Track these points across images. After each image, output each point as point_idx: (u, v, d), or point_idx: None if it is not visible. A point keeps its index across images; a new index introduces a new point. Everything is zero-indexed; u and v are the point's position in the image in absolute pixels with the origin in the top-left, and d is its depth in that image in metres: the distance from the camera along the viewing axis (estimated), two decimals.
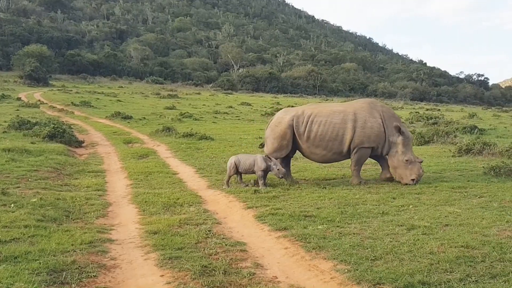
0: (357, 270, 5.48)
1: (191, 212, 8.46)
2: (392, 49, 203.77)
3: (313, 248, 6.35)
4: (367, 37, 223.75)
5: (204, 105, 42.85)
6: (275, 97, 68.41)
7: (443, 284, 5.04)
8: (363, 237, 6.77)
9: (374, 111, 11.15)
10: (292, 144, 11.30)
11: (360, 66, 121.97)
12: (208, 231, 7.25)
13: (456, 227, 7.14)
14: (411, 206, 8.59)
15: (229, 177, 10.78)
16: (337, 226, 7.35)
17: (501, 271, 5.37)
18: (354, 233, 6.95)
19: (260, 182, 10.56)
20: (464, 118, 35.43)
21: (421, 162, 10.92)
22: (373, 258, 5.86)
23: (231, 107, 40.93)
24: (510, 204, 8.60)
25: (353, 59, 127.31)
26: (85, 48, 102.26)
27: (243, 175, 11.01)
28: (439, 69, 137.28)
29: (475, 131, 22.05)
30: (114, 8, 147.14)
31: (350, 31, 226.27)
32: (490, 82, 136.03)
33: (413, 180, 10.63)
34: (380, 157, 11.40)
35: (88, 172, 12.43)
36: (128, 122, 26.24)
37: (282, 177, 10.78)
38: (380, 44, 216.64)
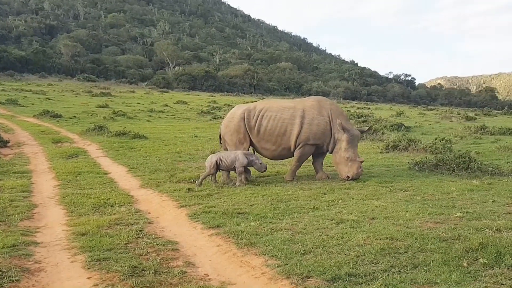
0: (287, 264, 5.57)
1: (122, 212, 8.25)
2: (325, 49, 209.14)
3: (245, 245, 6.39)
4: (302, 37, 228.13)
5: (138, 103, 41.98)
6: (212, 96, 68.16)
7: (368, 275, 5.23)
8: (294, 232, 6.90)
9: (323, 109, 11.32)
10: (249, 137, 11.39)
11: (295, 66, 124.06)
12: (139, 231, 7.11)
13: (382, 220, 7.43)
14: (340, 201, 8.85)
15: (206, 176, 10.67)
16: (270, 222, 7.44)
17: (423, 261, 5.63)
18: (285, 229, 7.06)
19: (238, 178, 10.57)
20: (392, 116, 36.96)
21: (362, 161, 11.14)
22: (303, 252, 5.99)
23: (167, 105, 40.37)
24: (432, 197, 9.06)
25: (289, 59, 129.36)
26: (12, 44, 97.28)
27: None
28: (369, 69, 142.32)
29: (402, 128, 23.03)
30: (43, 3, 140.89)
31: (285, 31, 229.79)
32: (417, 82, 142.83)
33: (348, 177, 10.90)
34: (317, 158, 11.62)
35: (13, 173, 11.82)
36: (58, 121, 25.21)
37: (264, 171, 10.95)
38: (314, 44, 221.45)
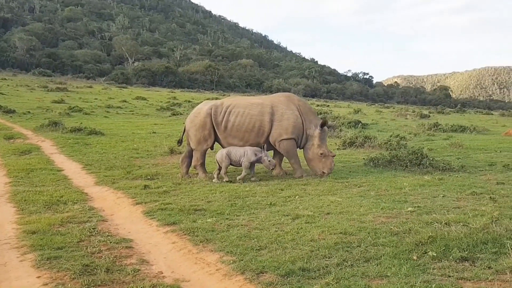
0: (242, 260, 5.59)
1: (75, 210, 8.06)
2: (286, 47, 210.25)
3: (200, 241, 6.36)
4: (263, 35, 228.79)
5: (96, 99, 41.05)
6: (172, 92, 67.44)
7: (321, 269, 5.30)
8: (250, 228, 6.92)
9: (291, 104, 11.35)
10: (214, 134, 11.26)
11: (256, 63, 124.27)
12: (92, 229, 6.97)
13: (336, 215, 7.55)
14: (297, 197, 8.94)
15: (226, 168, 10.65)
16: (226, 219, 7.44)
17: (375, 254, 5.76)
18: (242, 225, 7.08)
19: (243, 174, 10.55)
20: (350, 113, 37.61)
21: (334, 156, 11.26)
22: (258, 248, 6.01)
23: (125, 101, 39.65)
24: (386, 192, 9.28)
25: (250, 56, 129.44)
26: None
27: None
28: (329, 67, 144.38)
29: (359, 125, 23.47)
30: None
31: (246, 28, 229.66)
32: (374, 80, 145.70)
33: (324, 173, 10.98)
34: (278, 154, 11.63)
35: None
36: (11, 117, 24.38)
37: (272, 169, 10.91)
38: (275, 42, 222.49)
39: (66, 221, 7.29)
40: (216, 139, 11.41)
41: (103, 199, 9.04)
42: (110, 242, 6.40)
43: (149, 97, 49.19)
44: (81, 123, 20.38)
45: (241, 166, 10.72)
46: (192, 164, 11.44)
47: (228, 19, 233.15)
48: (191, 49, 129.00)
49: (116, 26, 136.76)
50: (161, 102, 42.20)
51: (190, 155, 11.53)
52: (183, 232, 6.79)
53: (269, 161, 10.67)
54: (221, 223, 7.16)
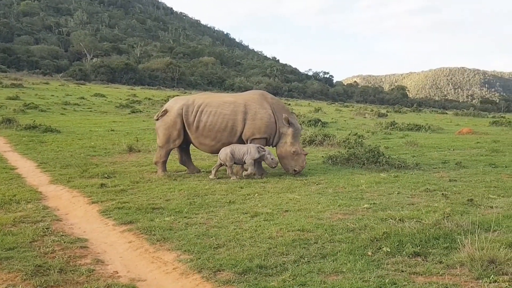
0: (200, 259, 5.56)
1: (28, 209, 7.81)
2: (248, 45, 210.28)
3: (157, 240, 6.30)
4: (225, 32, 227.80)
5: (52, 95, 39.86)
6: (132, 89, 66.29)
7: (278, 266, 5.34)
8: (209, 226, 6.90)
9: (265, 103, 11.21)
10: (184, 134, 11.03)
11: (218, 61, 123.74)
12: (46, 228, 6.78)
13: (294, 212, 7.63)
14: (256, 194, 8.97)
15: (231, 167, 10.58)
16: (185, 217, 7.39)
17: (331, 251, 5.84)
18: (200, 223, 7.05)
19: (250, 168, 10.51)
20: (310, 112, 38.03)
21: (306, 154, 11.28)
22: (216, 246, 6.00)
23: (83, 98, 38.72)
24: (343, 189, 9.44)
25: (211, 53, 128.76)
26: None
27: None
28: (290, 66, 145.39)
29: (319, 124, 23.75)
30: None
31: (208, 26, 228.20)
32: (335, 80, 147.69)
33: (295, 171, 10.99)
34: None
35: None
36: None
37: (274, 167, 10.86)
38: (237, 40, 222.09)
39: (19, 221, 7.06)
40: (186, 138, 11.18)
41: (58, 198, 8.81)
42: (64, 242, 6.25)
43: (108, 94, 48.20)
44: (34, 120, 19.78)
45: (244, 163, 10.72)
46: (154, 159, 11.28)
47: (190, 16, 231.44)
48: (151, 46, 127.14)
49: (74, 21, 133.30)
50: (121, 99, 41.43)
51: (181, 150, 11.46)
52: (140, 231, 6.70)
53: (272, 159, 10.67)
54: (179, 222, 7.11)
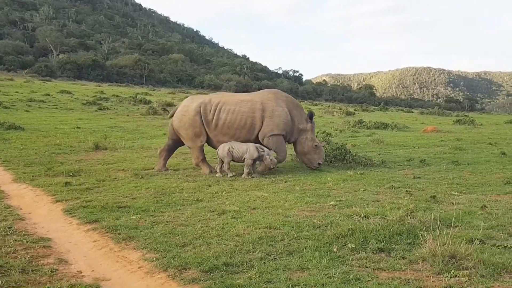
0: (165, 257, 5.52)
1: None
2: (218, 43, 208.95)
3: (123, 239, 6.22)
4: (195, 30, 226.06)
5: (17, 92, 38.77)
6: (99, 86, 65.12)
7: (245, 264, 5.35)
8: (175, 224, 6.86)
9: (280, 101, 11.44)
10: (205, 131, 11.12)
11: (187, 58, 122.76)
12: (8, 228, 6.62)
13: (262, 210, 7.65)
14: (224, 192, 8.97)
15: (229, 163, 10.53)
16: (151, 215, 7.33)
17: (297, 248, 5.89)
18: (167, 221, 7.00)
19: (246, 170, 10.46)
20: None
21: (324, 146, 11.58)
22: (182, 244, 5.97)
23: (49, 95, 37.80)
24: (310, 187, 9.52)
25: (181, 51, 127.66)
26: None
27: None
28: (260, 64, 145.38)
29: None
30: None
31: (178, 22, 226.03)
32: (304, 78, 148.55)
33: (319, 164, 11.30)
34: None
35: None
36: None
37: (273, 168, 10.76)
38: (207, 37, 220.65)
39: None
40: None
41: (20, 197, 8.61)
42: (27, 242, 6.11)
43: (75, 91, 47.22)
44: None
45: (243, 162, 10.68)
46: (193, 162, 11.34)
47: (159, 12, 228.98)
48: (119, 42, 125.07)
49: (40, 16, 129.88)
50: (87, 96, 40.64)
51: (169, 149, 11.50)
52: (105, 230, 6.61)
53: (270, 159, 10.63)
54: (145, 220, 7.04)
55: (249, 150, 10.55)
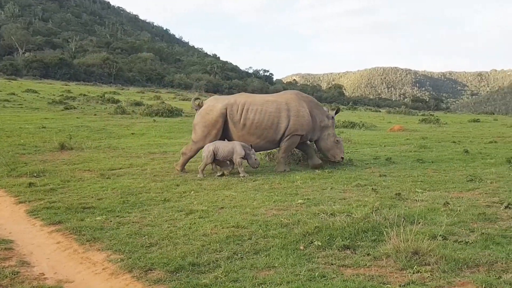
0: (130, 258, 5.46)
1: None
2: (188, 42, 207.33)
3: (87, 241, 6.13)
4: (164, 28, 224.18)
5: None
6: (66, 85, 63.80)
7: (211, 263, 5.34)
8: (142, 225, 6.79)
9: (302, 101, 11.68)
10: (222, 133, 11.21)
11: (157, 57, 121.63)
12: None
13: (230, 209, 7.65)
14: (192, 192, 8.92)
15: (205, 165, 10.48)
16: (117, 216, 7.24)
17: (264, 246, 5.90)
18: (133, 222, 6.93)
19: (240, 169, 10.45)
20: None
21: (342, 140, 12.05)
22: (148, 245, 5.91)
23: (14, 94, 36.80)
24: (279, 186, 9.57)
25: (150, 49, 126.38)
26: None
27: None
28: (231, 63, 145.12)
29: None
30: None
31: (147, 21, 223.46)
32: (274, 78, 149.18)
33: (342, 158, 11.89)
34: (306, 145, 12.00)
35: None
36: None
37: (256, 167, 10.97)
38: (177, 36, 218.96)
39: None
40: (228, 136, 11.37)
41: None
42: None
43: (41, 90, 46.13)
44: None
45: (226, 161, 10.78)
46: (183, 150, 11.44)
47: (128, 10, 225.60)
48: (87, 40, 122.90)
49: (5, 14, 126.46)
50: (54, 95, 39.77)
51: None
52: (69, 231, 6.50)
53: (255, 159, 10.75)
54: (111, 221, 6.95)
55: (235, 149, 10.65)
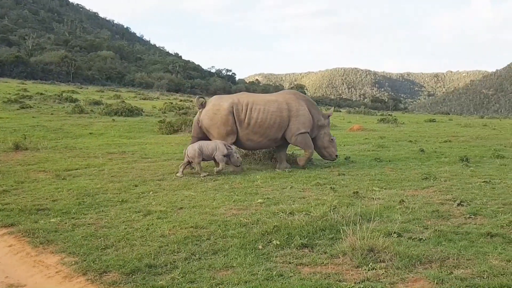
0: (85, 260, 5.34)
1: None
2: (149, 40, 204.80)
3: (40, 243, 5.96)
4: (125, 26, 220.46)
5: None
6: (23, 83, 61.79)
7: (169, 264, 5.27)
8: (98, 226, 6.65)
9: (300, 101, 12.01)
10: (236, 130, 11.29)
11: (117, 55, 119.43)
12: None
13: (189, 209, 7.58)
14: (151, 192, 8.80)
15: (199, 163, 10.49)
16: (72, 218, 7.07)
17: (223, 246, 5.88)
18: (89, 224, 6.78)
19: (222, 163, 10.56)
20: None
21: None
22: (104, 247, 5.79)
23: None
24: (239, 185, 9.56)
25: (110, 48, 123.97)
26: None
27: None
28: (193, 62, 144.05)
29: None
30: None
31: (107, 19, 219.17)
32: (237, 77, 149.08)
33: (336, 156, 12.38)
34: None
35: None
36: None
37: (239, 166, 11.05)
38: (138, 34, 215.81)
39: None
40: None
41: None
42: None
43: None
44: None
45: (211, 160, 10.89)
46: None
47: (87, 8, 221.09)
48: (45, 38, 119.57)
49: None
50: (9, 94, 38.39)
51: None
52: (22, 234, 6.30)
53: (237, 157, 10.87)
54: (65, 223, 6.78)
55: (218, 147, 10.78)
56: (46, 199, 8.14)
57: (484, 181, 9.75)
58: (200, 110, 11.72)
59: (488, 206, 7.69)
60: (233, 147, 11.07)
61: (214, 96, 12.43)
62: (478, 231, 6.26)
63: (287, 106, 11.74)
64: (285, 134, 11.72)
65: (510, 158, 13.76)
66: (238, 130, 11.46)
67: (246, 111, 11.48)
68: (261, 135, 11.53)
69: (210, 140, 11.33)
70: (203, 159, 10.81)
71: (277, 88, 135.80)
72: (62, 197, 8.28)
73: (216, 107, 11.54)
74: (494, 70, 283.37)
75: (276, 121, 11.55)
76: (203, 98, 12.10)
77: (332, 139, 12.30)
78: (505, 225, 6.51)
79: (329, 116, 12.55)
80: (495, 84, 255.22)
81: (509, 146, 17.39)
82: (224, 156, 10.80)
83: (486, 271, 4.90)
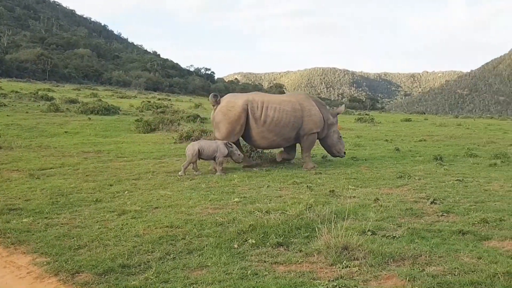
0: (57, 261, 5.25)
1: None
2: (127, 38, 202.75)
3: (12, 243, 5.85)
4: (102, 24, 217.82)
5: None
6: None
7: (142, 264, 5.22)
8: (71, 226, 6.56)
9: (311, 101, 12.23)
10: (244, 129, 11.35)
11: (94, 53, 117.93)
12: None
13: (165, 209, 7.53)
14: (126, 192, 8.72)
15: (189, 163, 10.33)
16: (45, 218, 6.96)
17: (198, 246, 5.84)
18: (62, 224, 6.68)
19: (219, 168, 10.46)
20: (190, 108, 37.82)
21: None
22: (77, 247, 5.71)
23: None
24: (216, 184, 9.54)
25: (87, 45, 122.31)
26: None
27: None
28: (172, 61, 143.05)
29: (197, 119, 23.74)
30: None
31: (84, 16, 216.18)
32: (216, 76, 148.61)
33: (344, 153, 12.73)
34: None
35: None
36: None
37: (240, 162, 11.36)
38: (116, 32, 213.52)
39: None
40: (246, 133, 11.56)
41: None
42: None
43: None
44: None
45: (211, 160, 10.90)
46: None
47: (64, 5, 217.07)
48: (20, 35, 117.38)
49: None
50: None
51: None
52: None
53: (238, 154, 11.01)
54: (38, 223, 6.67)
55: (219, 148, 10.81)
56: (19, 198, 8.00)
57: (457, 180, 9.92)
58: (215, 107, 11.79)
59: (461, 204, 7.82)
60: (234, 145, 11.19)
61: (228, 94, 12.65)
62: (450, 228, 6.36)
63: (300, 107, 11.95)
64: (298, 134, 11.92)
65: (483, 157, 14.03)
66: (251, 128, 11.56)
67: (262, 109, 11.60)
68: (276, 134, 11.68)
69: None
70: (203, 159, 10.91)
71: (256, 87, 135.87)
72: (35, 196, 8.15)
73: (231, 104, 11.66)
74: (469, 71, 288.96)
75: (291, 120, 11.74)
76: (217, 95, 12.08)
77: (340, 137, 12.59)
78: (476, 222, 6.63)
79: (337, 113, 12.78)
80: (469, 85, 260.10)
81: (482, 145, 17.74)
82: (225, 156, 10.93)
83: (458, 268, 4.97)
